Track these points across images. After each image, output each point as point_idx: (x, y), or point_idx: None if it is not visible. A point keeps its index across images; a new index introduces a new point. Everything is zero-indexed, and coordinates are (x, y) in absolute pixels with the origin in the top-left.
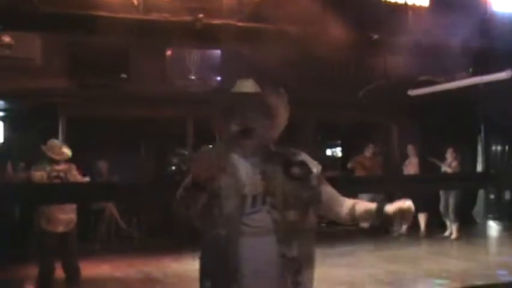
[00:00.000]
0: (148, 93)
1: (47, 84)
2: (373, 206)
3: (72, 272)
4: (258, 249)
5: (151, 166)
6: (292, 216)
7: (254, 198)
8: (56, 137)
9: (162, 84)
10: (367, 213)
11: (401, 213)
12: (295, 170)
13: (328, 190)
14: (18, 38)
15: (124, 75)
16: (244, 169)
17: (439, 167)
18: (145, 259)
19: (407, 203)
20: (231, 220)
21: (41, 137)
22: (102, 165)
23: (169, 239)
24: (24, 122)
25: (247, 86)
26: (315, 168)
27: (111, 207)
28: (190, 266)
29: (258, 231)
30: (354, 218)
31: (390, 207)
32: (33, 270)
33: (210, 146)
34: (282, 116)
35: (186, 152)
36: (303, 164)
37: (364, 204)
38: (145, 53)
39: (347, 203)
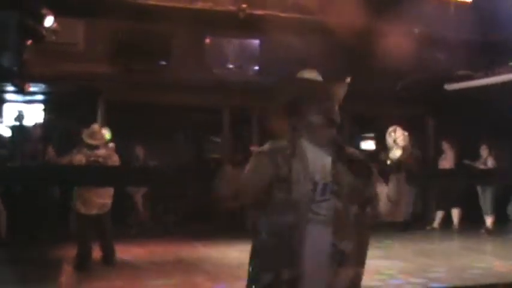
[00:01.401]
0: (187, 81)
1: (88, 69)
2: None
3: (108, 252)
4: (317, 237)
5: (187, 153)
6: (353, 210)
7: (324, 186)
8: (95, 121)
9: (201, 72)
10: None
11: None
12: (359, 168)
13: (383, 191)
14: (62, 23)
15: (164, 62)
16: (314, 156)
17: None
18: (179, 244)
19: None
20: (300, 206)
21: (80, 121)
22: (139, 151)
23: (206, 225)
24: (65, 106)
25: (312, 76)
26: (374, 168)
27: (138, 194)
28: (224, 252)
29: (323, 219)
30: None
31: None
32: (72, 250)
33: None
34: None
35: (219, 140)
36: (366, 163)
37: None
38: (186, 40)
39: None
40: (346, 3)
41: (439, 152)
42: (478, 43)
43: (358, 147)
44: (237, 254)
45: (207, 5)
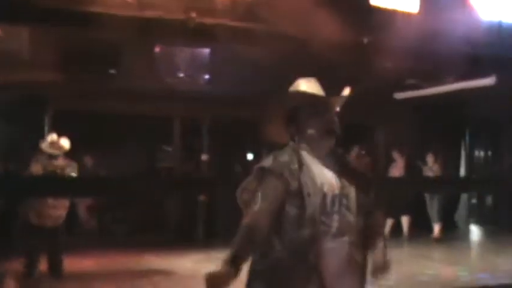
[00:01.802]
0: (136, 90)
1: (35, 78)
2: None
3: (56, 264)
4: (334, 251)
5: (137, 162)
6: (361, 221)
7: (333, 198)
8: (43, 131)
9: (151, 80)
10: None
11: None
12: (361, 180)
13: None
14: (6, 30)
15: (113, 71)
16: (319, 168)
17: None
18: (129, 255)
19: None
20: (315, 218)
21: (28, 131)
22: (88, 160)
23: (157, 235)
24: (10, 116)
25: (310, 85)
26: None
27: (82, 204)
28: (175, 263)
29: (335, 232)
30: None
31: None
32: (15, 262)
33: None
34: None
35: (171, 149)
36: (366, 176)
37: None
38: (135, 49)
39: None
40: (297, 13)
41: (389, 161)
42: (425, 52)
43: None
44: (189, 265)
45: (157, 14)
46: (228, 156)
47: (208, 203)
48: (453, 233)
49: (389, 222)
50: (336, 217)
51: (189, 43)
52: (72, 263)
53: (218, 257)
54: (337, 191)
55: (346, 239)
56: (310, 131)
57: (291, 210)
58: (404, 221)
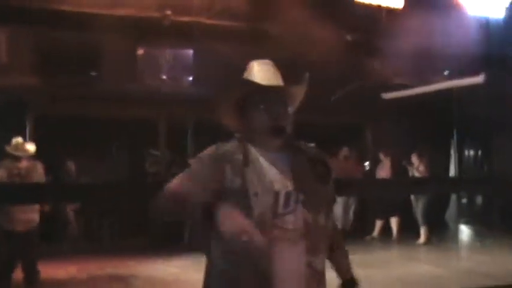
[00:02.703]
0: (119, 93)
1: (13, 81)
2: (345, 274)
3: (30, 272)
4: (287, 257)
5: (122, 167)
6: (322, 220)
7: (287, 196)
8: (24, 136)
9: (134, 83)
10: (337, 272)
11: None
12: (320, 169)
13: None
14: None
15: (94, 73)
16: (269, 164)
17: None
18: (114, 260)
19: None
20: (264, 222)
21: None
22: (70, 165)
23: (142, 240)
24: None
25: (265, 67)
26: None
27: (69, 209)
28: (159, 268)
29: (290, 236)
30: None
31: None
32: None
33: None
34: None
35: (158, 153)
36: (325, 162)
37: (342, 260)
38: (117, 51)
39: (337, 231)
40: (278, 10)
41: (377, 162)
42: (413, 51)
43: None
44: (173, 270)
45: (130, 12)
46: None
47: None
48: (443, 234)
49: (378, 224)
50: (290, 218)
51: (170, 43)
52: (54, 269)
53: (203, 261)
54: (290, 187)
55: (302, 243)
56: (256, 123)
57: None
58: (394, 222)
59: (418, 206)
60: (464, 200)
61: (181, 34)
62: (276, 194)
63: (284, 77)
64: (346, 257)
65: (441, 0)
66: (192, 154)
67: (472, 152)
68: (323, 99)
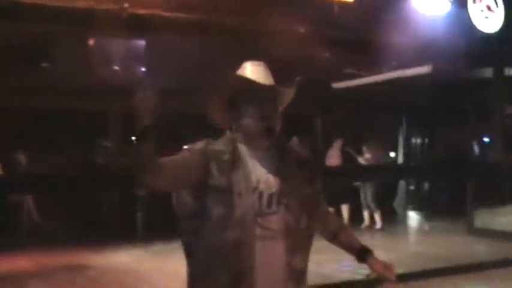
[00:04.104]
0: (70, 84)
1: None
2: (356, 247)
3: None
4: (268, 256)
5: (72, 158)
6: (304, 222)
7: (270, 197)
8: None
9: (85, 74)
10: (349, 250)
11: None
12: (307, 171)
13: (323, 196)
14: None
15: (45, 64)
16: (256, 162)
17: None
18: (66, 251)
19: (390, 268)
20: (246, 221)
21: None
22: (20, 157)
23: (94, 230)
24: None
25: (255, 70)
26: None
27: (29, 200)
28: (113, 258)
29: (271, 235)
30: (334, 241)
31: (375, 266)
32: None
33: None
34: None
35: (109, 144)
36: (311, 163)
37: (349, 238)
38: (67, 42)
39: (333, 220)
40: (231, 3)
41: (327, 150)
42: (361, 42)
43: None
44: (125, 259)
45: (87, 4)
46: (167, 149)
47: (147, 197)
48: (392, 220)
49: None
50: (273, 219)
51: (122, 34)
52: (7, 263)
53: (157, 252)
54: (274, 189)
55: (283, 242)
56: (246, 122)
57: (216, 209)
58: (344, 209)
59: (367, 193)
60: (411, 187)
61: (139, 26)
62: (260, 195)
63: (274, 78)
64: (352, 234)
65: None
66: None
67: (419, 140)
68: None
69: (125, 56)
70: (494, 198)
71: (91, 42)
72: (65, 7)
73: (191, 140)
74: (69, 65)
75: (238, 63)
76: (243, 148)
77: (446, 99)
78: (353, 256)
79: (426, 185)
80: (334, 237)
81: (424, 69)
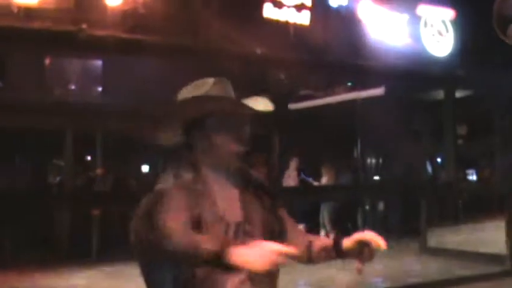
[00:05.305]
0: (25, 102)
1: None
2: (329, 241)
3: None
4: (230, 285)
5: (26, 177)
6: None
7: (237, 227)
8: None
9: (41, 92)
10: (325, 251)
11: (363, 246)
12: (265, 197)
13: (288, 219)
14: None
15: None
16: (221, 189)
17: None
18: (16, 274)
19: (369, 234)
20: None
21: None
22: None
23: (48, 252)
24: None
25: (222, 87)
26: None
27: None
28: (67, 280)
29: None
30: (310, 257)
31: (349, 240)
32: None
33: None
34: None
35: (63, 163)
36: (268, 189)
37: (320, 242)
38: (24, 60)
39: (303, 237)
40: (188, 25)
41: (284, 170)
42: (317, 64)
43: None
44: (82, 282)
45: (45, 25)
46: (122, 169)
47: (101, 217)
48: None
49: None
50: None
51: (80, 54)
52: None
53: (112, 273)
54: (240, 219)
55: (243, 277)
56: (219, 142)
57: None
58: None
59: (324, 213)
60: (367, 207)
61: (96, 47)
62: (227, 225)
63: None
64: (318, 237)
65: (344, 17)
66: (100, 165)
67: (373, 160)
68: None
69: (82, 76)
70: (447, 217)
71: (47, 61)
72: (22, 28)
73: (145, 159)
74: (24, 83)
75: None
76: (207, 172)
77: (400, 119)
78: (332, 257)
79: (381, 205)
80: (309, 255)
81: (378, 91)
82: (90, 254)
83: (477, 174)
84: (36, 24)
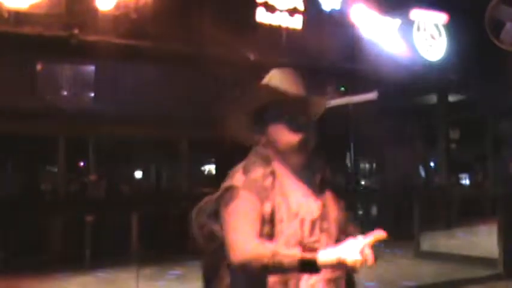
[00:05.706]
0: (16, 108)
1: None
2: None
3: None
4: (306, 285)
5: (19, 184)
6: None
7: (312, 224)
8: None
9: (32, 99)
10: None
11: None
12: (335, 193)
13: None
14: None
15: None
16: (293, 185)
17: None
18: (9, 279)
19: (367, 240)
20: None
21: None
22: None
23: (41, 258)
24: None
25: (286, 78)
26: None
27: None
28: (61, 286)
29: None
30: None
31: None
32: None
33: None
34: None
35: (55, 170)
36: (336, 186)
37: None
38: (15, 66)
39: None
40: (181, 30)
41: None
42: (309, 69)
43: (200, 171)
44: None
45: (36, 30)
46: (115, 175)
47: (95, 223)
48: None
49: None
50: (316, 248)
51: (73, 60)
52: None
53: (106, 279)
54: (315, 215)
55: (322, 276)
56: (280, 136)
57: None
58: None
59: None
60: (360, 212)
61: (88, 52)
62: (301, 222)
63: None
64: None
65: (338, 22)
66: (93, 171)
67: (366, 164)
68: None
69: (74, 82)
70: (440, 221)
71: (39, 67)
72: (12, 32)
73: (139, 165)
74: (15, 89)
75: (190, 92)
76: (278, 167)
77: (393, 124)
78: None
79: (374, 210)
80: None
81: (370, 96)
82: (83, 260)
83: (470, 179)
84: (27, 30)
